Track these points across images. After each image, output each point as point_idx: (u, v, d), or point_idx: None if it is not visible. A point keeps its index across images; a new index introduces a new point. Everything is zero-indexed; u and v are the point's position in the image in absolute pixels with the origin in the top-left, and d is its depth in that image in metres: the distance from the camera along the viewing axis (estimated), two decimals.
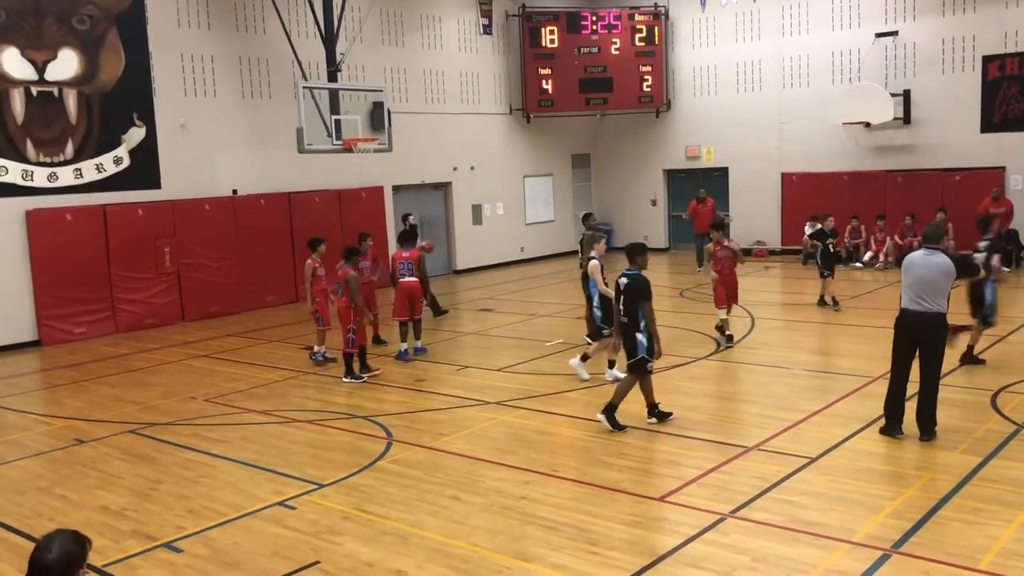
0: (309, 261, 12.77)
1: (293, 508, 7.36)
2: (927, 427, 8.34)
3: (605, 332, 10.78)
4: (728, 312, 13.15)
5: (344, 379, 11.70)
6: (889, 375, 8.60)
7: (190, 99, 17.38)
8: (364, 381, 11.61)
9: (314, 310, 12.77)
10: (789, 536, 6.39)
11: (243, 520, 7.15)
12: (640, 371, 9.06)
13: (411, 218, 16.34)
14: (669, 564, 6.03)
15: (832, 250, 16.00)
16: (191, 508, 7.47)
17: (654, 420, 9.23)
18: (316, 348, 12.98)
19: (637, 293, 8.97)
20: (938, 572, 5.72)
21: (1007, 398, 9.57)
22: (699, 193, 22.38)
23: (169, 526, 7.10)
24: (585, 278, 11.65)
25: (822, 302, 15.68)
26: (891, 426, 8.47)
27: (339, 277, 11.75)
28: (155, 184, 16.82)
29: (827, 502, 6.99)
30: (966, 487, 7.12)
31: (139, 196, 16.53)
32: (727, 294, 13.04)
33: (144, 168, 16.61)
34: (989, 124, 20.23)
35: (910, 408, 8.48)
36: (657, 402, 9.28)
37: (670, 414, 9.32)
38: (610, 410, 9.05)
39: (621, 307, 9.12)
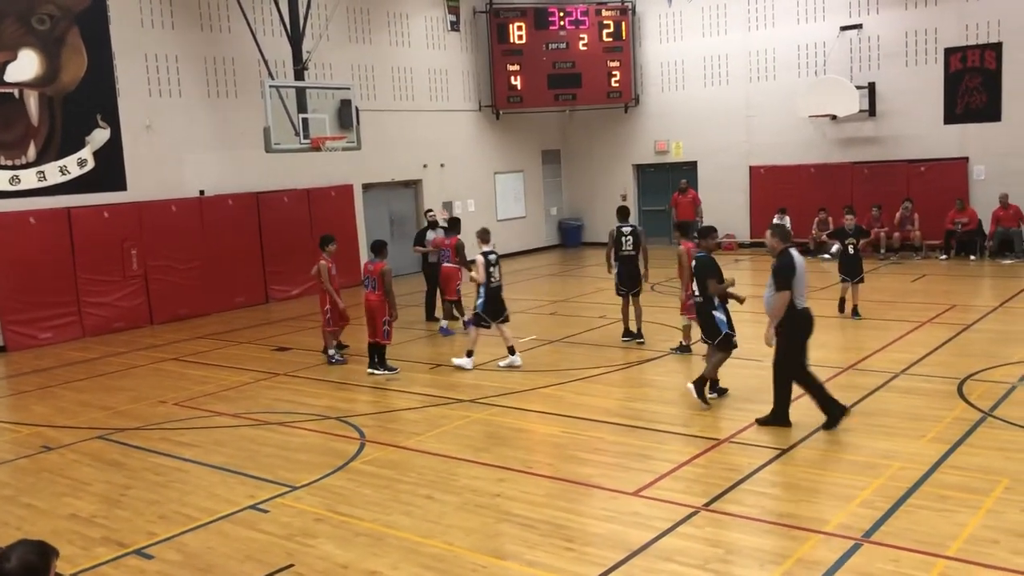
0: (323, 262, 12.45)
1: (266, 511, 7.30)
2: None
3: (483, 324, 11.86)
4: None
5: (376, 371, 11.75)
6: (798, 378, 8.61)
7: (155, 99, 17.17)
8: (397, 372, 11.77)
9: (327, 309, 12.51)
10: (762, 528, 6.45)
11: (215, 524, 7.08)
12: (727, 346, 9.59)
13: (430, 213, 16.12)
14: (644, 558, 6.06)
15: (854, 252, 13.79)
16: (162, 513, 7.39)
17: (714, 395, 9.79)
18: (331, 351, 12.70)
19: (704, 272, 9.52)
20: (908, 559, 5.80)
21: (973, 386, 9.71)
22: (680, 184, 22.59)
23: (140, 532, 7.02)
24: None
25: (844, 308, 13.87)
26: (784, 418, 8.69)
27: (371, 271, 11.78)
28: (121, 186, 16.60)
29: (799, 493, 7.06)
30: (934, 475, 7.22)
31: (104, 198, 16.31)
32: None
33: (109, 170, 16.39)
34: (952, 115, 20.50)
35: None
36: (717, 379, 9.81)
37: (726, 390, 9.93)
38: (700, 383, 9.54)
39: (695, 288, 9.73)
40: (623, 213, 13.46)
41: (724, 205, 23.23)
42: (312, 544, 6.61)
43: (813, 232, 20.81)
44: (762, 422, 8.76)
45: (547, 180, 26.58)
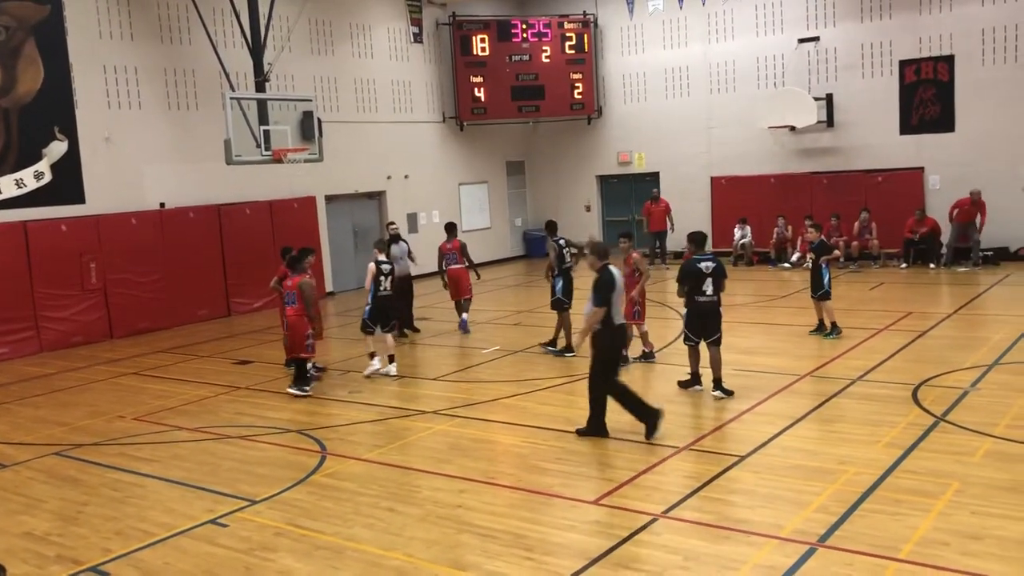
0: (308, 278, 11.75)
1: (225, 526, 7.24)
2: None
3: (368, 330, 12.26)
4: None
5: (291, 389, 11.48)
6: (610, 391, 8.82)
7: (114, 111, 17.01)
8: (308, 393, 11.45)
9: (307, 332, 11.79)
10: (720, 534, 6.52)
11: (174, 540, 7.01)
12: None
13: (392, 227, 16.01)
14: (602, 566, 6.10)
15: (813, 266, 13.36)
16: (119, 530, 7.30)
17: (720, 394, 10.16)
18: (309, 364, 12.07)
19: (724, 274, 10.29)
20: (861, 563, 5.89)
21: (927, 391, 9.89)
22: (652, 193, 22.86)
23: (96, 549, 6.93)
24: None
25: (823, 329, 13.20)
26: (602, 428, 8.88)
27: (290, 286, 11.51)
28: (79, 199, 16.39)
29: (756, 499, 7.14)
30: (888, 479, 7.34)
31: (62, 211, 16.10)
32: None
33: (67, 182, 16.17)
34: (907, 126, 20.91)
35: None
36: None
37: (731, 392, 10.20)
38: (718, 383, 10.17)
39: (710, 288, 10.16)
40: (553, 227, 13.82)
41: (686, 215, 23.36)
42: (272, 558, 6.57)
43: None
44: (581, 432, 8.92)
45: (512, 191, 26.67)
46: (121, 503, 7.94)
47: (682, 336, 10.80)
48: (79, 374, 13.78)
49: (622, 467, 8.06)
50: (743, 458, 8.09)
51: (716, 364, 10.17)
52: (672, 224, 22.51)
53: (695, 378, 10.58)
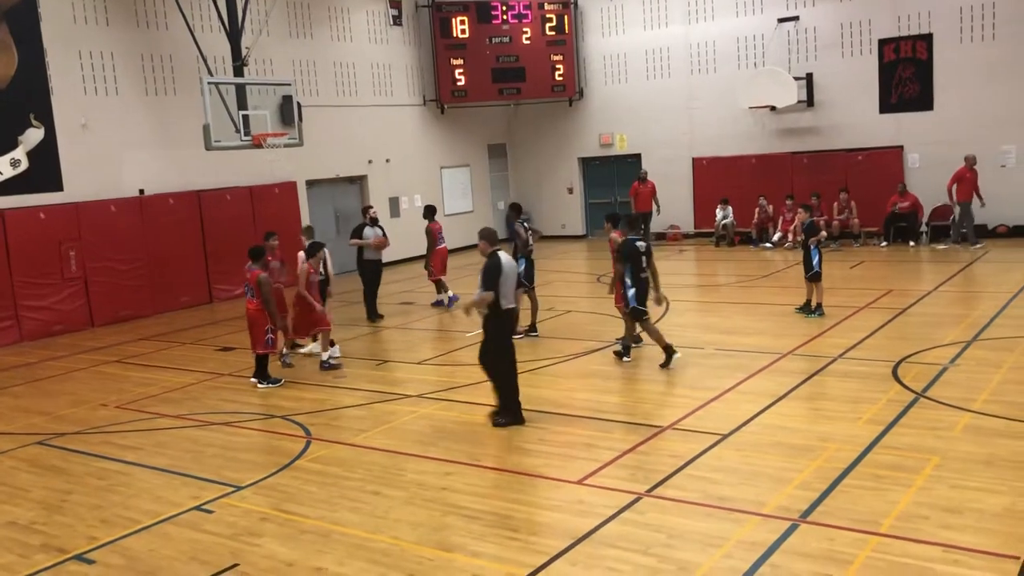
0: (304, 266, 11.90)
1: (211, 512, 7.25)
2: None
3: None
4: None
5: (259, 384, 11.33)
6: (510, 373, 8.96)
7: (91, 97, 16.83)
8: (281, 383, 11.40)
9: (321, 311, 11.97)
10: (703, 512, 6.58)
11: (159, 527, 7.01)
12: (636, 316, 11.00)
13: (372, 210, 16.01)
14: (588, 545, 6.15)
15: (803, 248, 13.57)
16: (104, 518, 7.29)
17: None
18: (324, 354, 12.04)
19: (651, 253, 11.06)
20: (842, 538, 5.97)
21: (907, 368, 10.00)
22: (640, 173, 22.81)
23: (81, 537, 6.92)
24: None
25: (810, 308, 13.27)
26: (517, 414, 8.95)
27: (249, 279, 11.24)
28: (57, 186, 16.24)
29: (739, 477, 7.21)
30: (869, 455, 7.43)
31: (40, 199, 15.94)
32: None
33: (44, 170, 16.01)
34: (887, 105, 20.99)
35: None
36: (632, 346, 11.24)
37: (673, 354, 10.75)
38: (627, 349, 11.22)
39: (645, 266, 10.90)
40: (518, 209, 13.91)
41: (668, 196, 23.43)
42: (258, 543, 6.58)
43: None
44: (497, 423, 8.95)
45: (493, 174, 26.62)
46: (106, 491, 7.93)
47: (632, 313, 10.96)
48: (60, 363, 13.70)
49: (606, 447, 8.11)
50: (726, 436, 8.15)
51: (535, 309, 11.55)
52: (658, 206, 22.54)
53: (670, 350, 10.77)
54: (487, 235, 9.19)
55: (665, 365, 10.73)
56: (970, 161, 18.86)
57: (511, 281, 8.96)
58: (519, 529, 6.50)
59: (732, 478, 7.18)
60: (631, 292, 10.77)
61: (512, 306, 9.03)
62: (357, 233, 15.39)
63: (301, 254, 12.39)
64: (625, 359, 11.29)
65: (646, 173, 22.93)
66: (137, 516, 7.26)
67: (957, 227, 19.27)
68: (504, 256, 8.99)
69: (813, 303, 13.25)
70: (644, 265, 10.86)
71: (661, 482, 7.16)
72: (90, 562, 6.46)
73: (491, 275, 8.76)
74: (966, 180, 18.88)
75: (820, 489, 6.78)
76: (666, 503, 6.77)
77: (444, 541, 6.42)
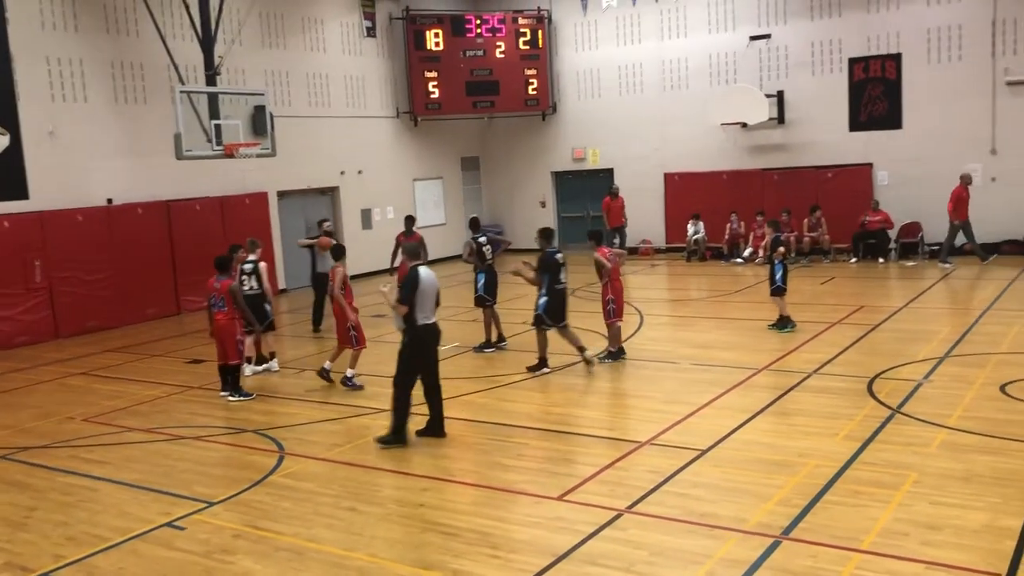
0: (341, 269, 11.57)
1: (182, 528, 7.07)
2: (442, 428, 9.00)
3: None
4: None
5: (231, 397, 11.07)
6: (400, 387, 8.82)
7: (58, 104, 16.55)
8: (253, 397, 11.18)
9: (351, 325, 11.44)
10: (684, 528, 6.53)
11: (128, 544, 6.82)
12: (538, 324, 11.55)
13: (326, 224, 15.85)
14: (569, 563, 6.07)
15: (767, 263, 13.75)
16: (71, 535, 7.09)
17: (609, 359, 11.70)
18: (349, 371, 11.41)
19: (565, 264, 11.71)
20: (825, 555, 5.94)
21: (882, 384, 10.05)
22: (612, 188, 22.85)
23: (46, 555, 6.71)
24: None
25: (783, 324, 13.24)
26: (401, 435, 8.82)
27: (219, 290, 11.00)
28: (22, 194, 15.88)
29: (719, 493, 7.17)
30: (848, 471, 7.43)
31: (4, 207, 15.59)
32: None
33: (9, 178, 15.63)
34: (856, 123, 21.25)
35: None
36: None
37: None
38: (583, 350, 11.48)
39: (564, 276, 11.55)
40: (476, 224, 14.01)
41: (640, 211, 23.54)
42: (231, 561, 6.42)
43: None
44: (379, 440, 8.84)
45: (466, 187, 26.56)
46: (72, 507, 7.71)
47: (533, 321, 11.59)
48: (24, 375, 13.39)
49: (585, 463, 8.05)
50: (704, 452, 8.12)
51: (575, 339, 11.55)
52: (625, 219, 22.57)
53: (544, 362, 11.53)
54: (407, 251, 9.31)
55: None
56: (965, 180, 18.94)
57: (429, 296, 8.81)
58: (499, 546, 6.40)
59: (713, 494, 7.15)
60: (542, 301, 11.39)
61: (428, 322, 8.81)
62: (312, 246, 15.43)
63: (263, 264, 12.49)
64: (605, 360, 11.77)
65: (618, 188, 22.97)
66: (105, 533, 7.07)
67: (976, 246, 18.90)
68: (424, 272, 8.85)
69: (779, 317, 13.32)
70: (561, 277, 11.48)
71: (641, 498, 7.11)
72: None
73: (406, 288, 8.72)
74: (963, 200, 18.82)
75: (801, 505, 6.77)
76: (647, 519, 6.71)
77: (423, 559, 6.31)
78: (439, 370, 9.08)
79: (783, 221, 20.90)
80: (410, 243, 9.37)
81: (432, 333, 8.91)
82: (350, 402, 10.68)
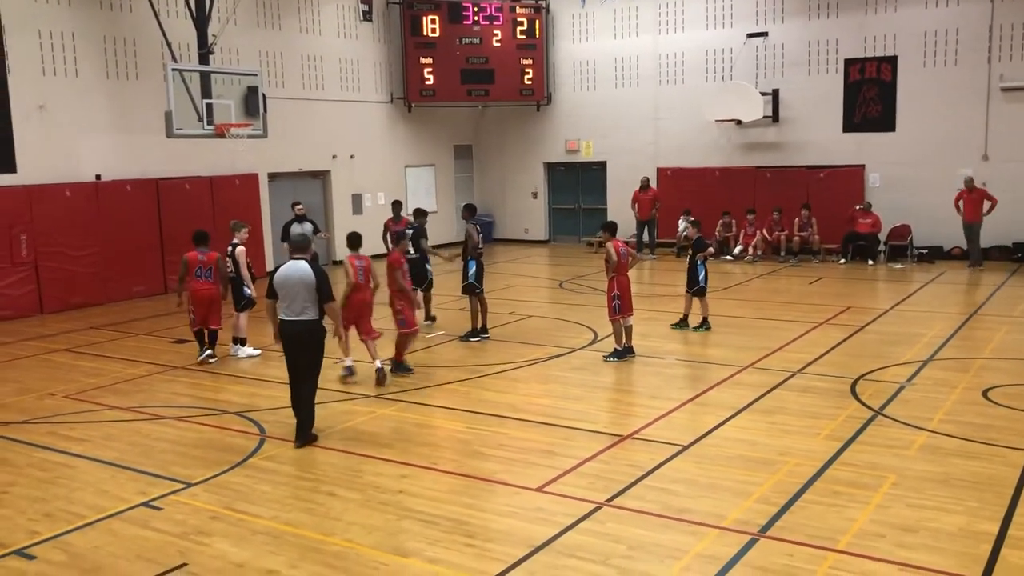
0: (397, 254, 11.23)
1: (159, 508, 7.04)
2: (308, 431, 8.57)
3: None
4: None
5: (210, 357, 11.89)
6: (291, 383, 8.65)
7: (49, 79, 16.40)
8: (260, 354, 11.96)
9: (398, 309, 11.06)
10: (662, 523, 6.53)
11: (104, 522, 6.79)
12: (469, 292, 12.98)
13: (299, 207, 15.85)
14: (546, 554, 6.07)
15: (698, 262, 13.47)
16: (47, 511, 7.05)
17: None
18: (378, 362, 10.85)
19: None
20: (801, 554, 5.96)
21: (865, 385, 10.07)
22: (642, 180, 22.67)
23: (21, 531, 6.67)
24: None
25: (686, 323, 13.49)
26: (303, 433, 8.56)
27: (206, 261, 11.80)
28: (10, 167, 15.80)
29: (698, 489, 7.18)
30: (827, 471, 7.45)
31: None
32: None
33: None
34: (850, 124, 21.26)
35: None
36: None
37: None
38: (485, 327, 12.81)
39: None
40: (472, 210, 13.58)
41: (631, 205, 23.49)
42: (207, 542, 6.40)
43: (716, 234, 21.34)
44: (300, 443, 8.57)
45: (459, 175, 26.48)
46: (49, 484, 7.67)
47: (465, 290, 12.91)
48: (6, 349, 13.31)
49: (565, 455, 8.04)
50: (685, 448, 8.13)
51: (485, 311, 12.86)
52: (655, 212, 22.37)
53: (477, 331, 12.83)
54: (293, 243, 8.82)
55: (464, 339, 12.93)
56: (968, 183, 19.00)
57: (292, 290, 8.31)
58: (476, 536, 6.40)
59: (692, 490, 7.15)
60: (473, 270, 12.70)
61: (287, 318, 8.34)
62: (285, 231, 15.41)
63: (241, 249, 12.39)
64: (610, 359, 11.52)
65: (648, 180, 22.76)
66: (81, 511, 7.03)
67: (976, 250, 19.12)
68: (290, 266, 8.41)
69: (692, 318, 13.37)
70: (480, 246, 12.80)
71: (621, 492, 7.11)
72: (31, 557, 6.23)
73: (271, 281, 8.55)
74: (968, 202, 18.90)
75: (779, 504, 6.78)
76: (625, 513, 6.71)
77: (400, 546, 6.30)
78: (309, 375, 8.52)
79: (774, 220, 20.99)
80: (297, 236, 9.09)
81: (291, 331, 8.35)
82: (333, 387, 10.63)
